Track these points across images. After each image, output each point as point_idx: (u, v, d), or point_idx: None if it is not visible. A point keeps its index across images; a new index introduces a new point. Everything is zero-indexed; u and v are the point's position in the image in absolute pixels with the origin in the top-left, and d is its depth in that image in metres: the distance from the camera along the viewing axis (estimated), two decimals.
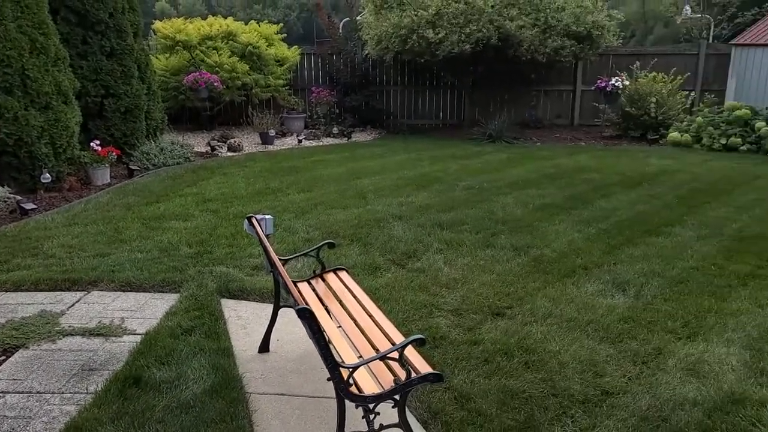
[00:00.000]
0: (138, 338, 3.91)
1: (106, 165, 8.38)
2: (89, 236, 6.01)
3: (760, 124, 11.01)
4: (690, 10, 18.43)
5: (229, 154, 10.90)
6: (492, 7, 11.70)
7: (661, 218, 6.72)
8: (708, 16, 17.57)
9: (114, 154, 8.49)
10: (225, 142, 11.42)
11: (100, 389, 3.33)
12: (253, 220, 3.67)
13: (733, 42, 13.42)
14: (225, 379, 3.40)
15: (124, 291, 4.72)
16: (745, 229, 6.35)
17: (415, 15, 11.81)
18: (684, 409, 3.22)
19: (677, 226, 6.43)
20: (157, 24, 12.99)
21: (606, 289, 4.81)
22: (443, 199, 7.48)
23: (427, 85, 14.35)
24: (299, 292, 3.57)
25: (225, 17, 13.79)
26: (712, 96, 12.88)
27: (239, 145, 11.17)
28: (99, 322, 4.14)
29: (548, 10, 12.01)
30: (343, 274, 3.84)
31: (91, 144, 8.37)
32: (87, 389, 3.35)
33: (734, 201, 7.47)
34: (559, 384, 3.45)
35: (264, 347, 3.83)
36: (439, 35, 11.59)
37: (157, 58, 12.52)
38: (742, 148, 10.98)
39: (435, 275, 5.08)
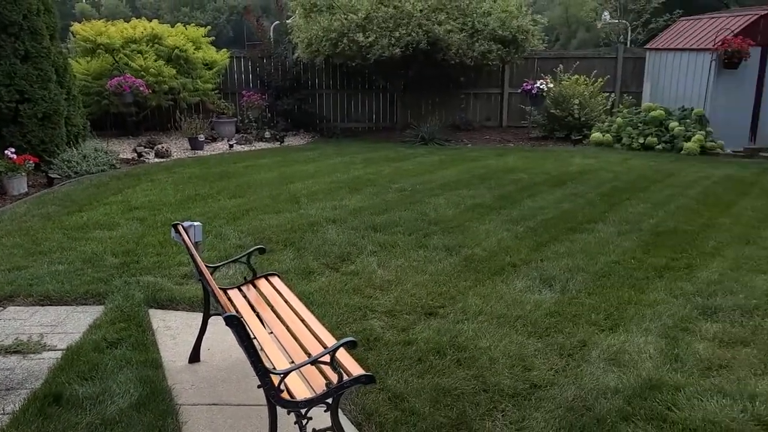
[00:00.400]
0: (59, 354, 3.74)
1: (23, 174, 7.97)
2: (4, 249, 5.70)
3: (673, 124, 11.64)
4: (608, 16, 19.30)
5: (156, 160, 10.59)
6: (420, 11, 11.87)
7: (584, 215, 7.00)
8: (625, 22, 18.44)
9: (31, 162, 8.08)
10: (152, 148, 11.09)
11: (17, 409, 3.16)
12: (180, 228, 3.58)
13: (647, 46, 14.14)
14: (153, 391, 3.31)
15: (43, 305, 4.51)
16: (661, 224, 6.70)
17: (345, 19, 11.83)
18: (606, 397, 3.37)
19: (600, 223, 6.71)
20: (76, 26, 12.46)
21: (534, 285, 4.97)
22: (376, 202, 7.52)
23: (360, 89, 14.40)
24: (229, 299, 3.52)
25: (150, 20, 13.38)
26: (630, 97, 13.53)
27: (167, 150, 10.87)
28: (16, 339, 3.94)
29: (475, 15, 12.30)
30: (275, 280, 3.80)
31: (6, 152, 7.94)
32: (3, 410, 3.18)
33: (651, 197, 7.87)
34: (490, 379, 3.54)
35: (194, 357, 3.75)
36: (370, 39, 11.66)
37: (77, 61, 12.01)
38: (658, 146, 11.58)
39: (369, 278, 5.10)
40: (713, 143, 11.31)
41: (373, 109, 14.61)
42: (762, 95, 11.50)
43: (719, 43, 11.06)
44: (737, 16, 11.84)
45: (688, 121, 11.66)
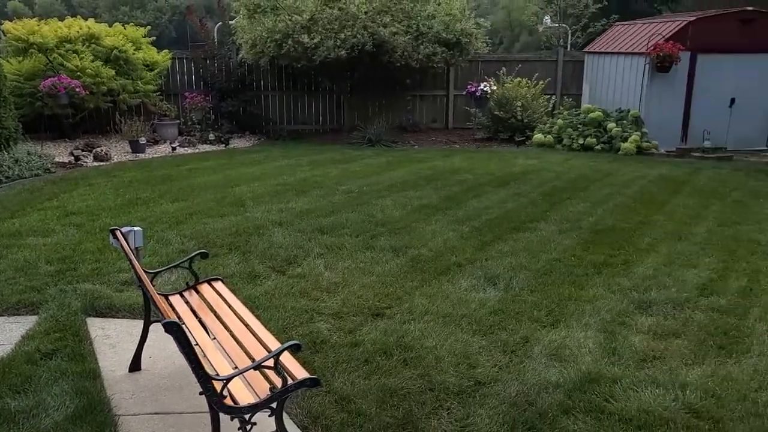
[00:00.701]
0: None
1: None
2: None
3: (611, 125, 12.06)
4: (549, 20, 19.83)
5: (95, 163, 10.25)
6: (365, 13, 11.91)
7: (527, 215, 7.16)
8: (565, 26, 18.99)
9: None
10: (91, 151, 10.72)
11: None
12: (118, 233, 3.48)
13: (585, 50, 14.60)
14: (90, 402, 3.20)
15: None
16: (599, 222, 6.92)
17: (290, 20, 11.75)
18: (548, 392, 3.46)
19: (542, 222, 6.88)
20: (7, 25, 11.92)
21: (478, 284, 5.05)
22: (323, 204, 7.50)
23: (306, 90, 14.31)
24: (170, 305, 3.44)
25: (87, 18, 12.94)
26: (570, 100, 13.95)
27: (107, 154, 10.54)
28: None
29: (419, 18, 12.42)
30: (219, 285, 3.74)
31: None
32: None
33: (591, 196, 8.13)
34: (436, 378, 3.58)
35: (135, 366, 3.65)
36: (315, 40, 11.62)
37: (8, 61, 11.49)
38: (597, 147, 11.96)
39: (316, 280, 5.08)
40: (648, 143, 11.76)
41: (320, 110, 14.55)
42: (692, 98, 12.04)
43: (652, 48, 11.52)
44: (668, 21, 12.37)
45: (624, 122, 12.10)
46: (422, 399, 3.38)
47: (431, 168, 10.00)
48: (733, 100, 11.97)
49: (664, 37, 11.60)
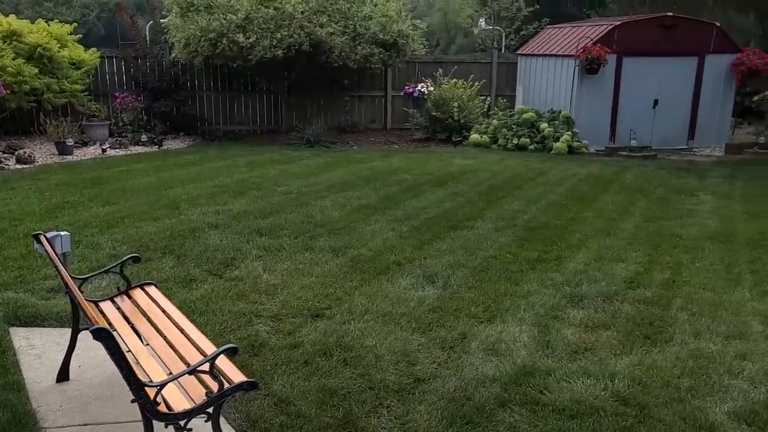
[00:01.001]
0: None
1: None
2: None
3: (543, 125, 12.43)
4: (484, 23, 20.22)
5: (18, 166, 9.76)
6: (302, 13, 11.83)
7: (464, 213, 7.30)
8: (499, 28, 19.42)
9: None
10: (13, 154, 10.21)
11: None
12: (42, 238, 3.33)
13: (518, 52, 14.99)
14: (14, 416, 3.05)
15: None
16: (533, 219, 7.13)
17: (224, 19, 11.54)
18: (485, 386, 3.54)
19: (478, 220, 7.02)
20: None
21: (417, 282, 5.11)
22: (261, 205, 7.40)
23: (243, 90, 14.08)
24: (100, 311, 3.33)
25: (7, 14, 12.30)
26: (505, 101, 14.30)
27: (30, 156, 10.06)
28: None
29: (356, 19, 12.44)
30: (152, 290, 3.64)
31: None
32: None
33: (525, 195, 8.35)
34: (376, 377, 3.60)
35: (63, 376, 3.50)
36: (250, 40, 11.45)
37: None
38: (530, 147, 12.30)
39: (254, 282, 5.01)
40: (579, 143, 12.19)
41: (257, 111, 14.35)
42: (619, 99, 12.56)
43: (581, 50, 11.94)
44: (596, 25, 12.86)
45: (556, 122, 12.49)
46: (362, 398, 3.40)
47: (370, 168, 10.04)
48: (656, 102, 12.55)
49: (592, 40, 12.06)
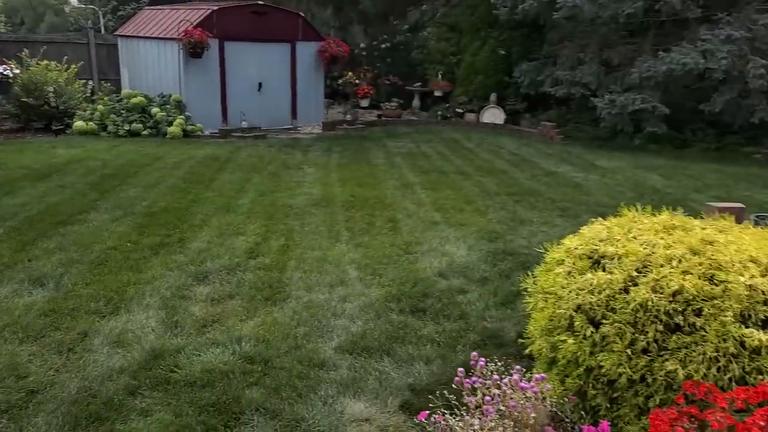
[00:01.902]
0: None
1: None
2: None
3: (155, 110, 12.10)
4: (77, 1, 18.46)
5: None
6: None
7: (74, 207, 6.69)
8: (94, 7, 17.99)
9: None
10: None
11: None
12: None
13: (117, 33, 14.17)
14: None
15: None
16: (153, 205, 6.97)
17: None
18: (112, 379, 3.40)
19: (92, 212, 6.54)
20: None
21: (22, 287, 4.54)
22: None
23: None
24: None
25: None
26: (110, 85, 13.42)
27: None
28: None
29: None
30: None
31: None
32: None
33: (142, 181, 8.07)
34: None
35: None
36: None
37: None
38: (144, 132, 11.86)
39: None
40: (193, 126, 12.26)
41: None
42: (226, 82, 13.01)
43: (183, 34, 11.93)
44: (195, 9, 12.99)
45: (168, 106, 12.30)
46: None
47: None
48: (260, 85, 13.41)
49: (192, 23, 12.14)
